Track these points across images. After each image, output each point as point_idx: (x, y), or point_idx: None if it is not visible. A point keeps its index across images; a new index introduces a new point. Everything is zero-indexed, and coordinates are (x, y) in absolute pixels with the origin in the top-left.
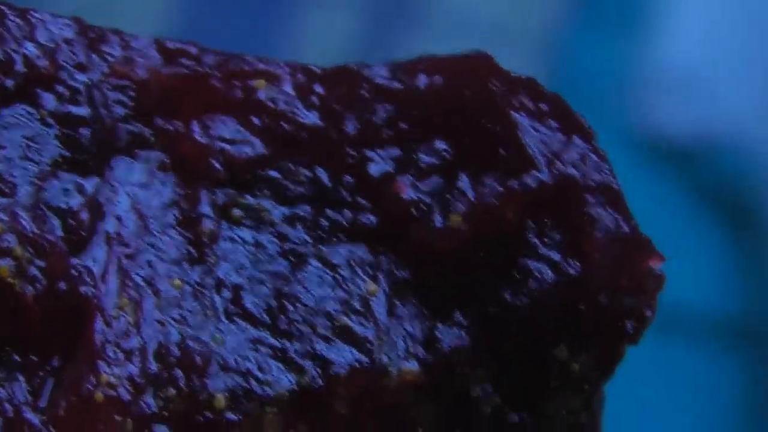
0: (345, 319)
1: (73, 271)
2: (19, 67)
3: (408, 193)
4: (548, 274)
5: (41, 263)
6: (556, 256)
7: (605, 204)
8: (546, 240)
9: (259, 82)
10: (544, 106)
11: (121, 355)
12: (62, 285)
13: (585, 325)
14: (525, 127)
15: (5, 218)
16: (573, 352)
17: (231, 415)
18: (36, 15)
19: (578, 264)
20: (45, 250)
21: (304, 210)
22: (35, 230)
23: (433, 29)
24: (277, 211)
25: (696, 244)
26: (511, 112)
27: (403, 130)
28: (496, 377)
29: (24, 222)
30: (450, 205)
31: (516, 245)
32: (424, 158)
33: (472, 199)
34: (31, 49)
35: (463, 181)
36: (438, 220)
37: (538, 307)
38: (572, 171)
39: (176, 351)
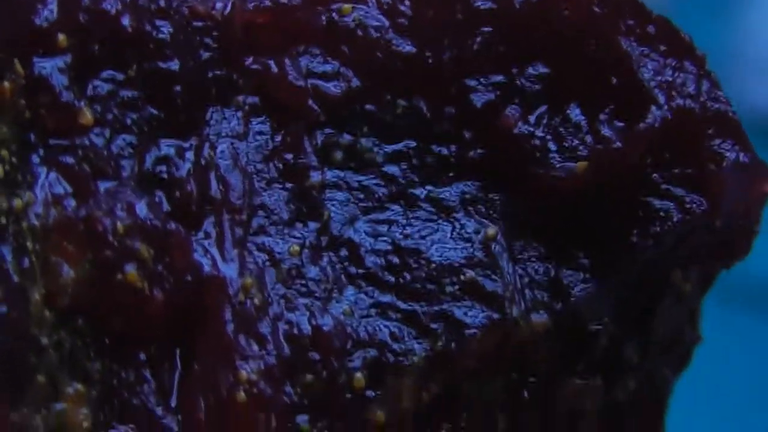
0: (470, 272)
1: (194, 256)
2: (103, 29)
3: (519, 127)
4: (673, 212)
5: (166, 258)
6: (679, 192)
7: (724, 134)
8: (667, 176)
9: (345, 8)
10: (651, 29)
11: (254, 345)
12: (188, 277)
13: (701, 250)
14: (637, 57)
15: (123, 214)
16: (686, 274)
17: (370, 392)
18: None
19: (702, 200)
20: (168, 244)
21: (407, 146)
22: (154, 220)
23: None
24: (379, 150)
25: None
26: (620, 37)
27: (502, 54)
28: (614, 308)
29: (142, 214)
30: (567, 142)
31: (637, 182)
32: (528, 85)
33: (593, 140)
34: (111, 5)
35: (576, 115)
36: (556, 158)
37: (661, 243)
38: (690, 104)
39: (308, 329)
